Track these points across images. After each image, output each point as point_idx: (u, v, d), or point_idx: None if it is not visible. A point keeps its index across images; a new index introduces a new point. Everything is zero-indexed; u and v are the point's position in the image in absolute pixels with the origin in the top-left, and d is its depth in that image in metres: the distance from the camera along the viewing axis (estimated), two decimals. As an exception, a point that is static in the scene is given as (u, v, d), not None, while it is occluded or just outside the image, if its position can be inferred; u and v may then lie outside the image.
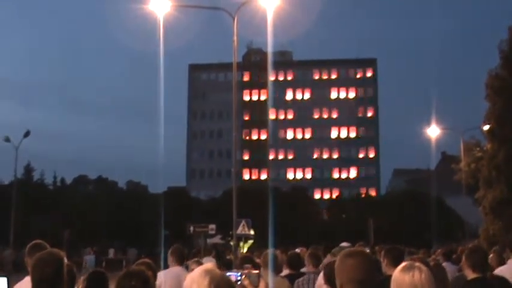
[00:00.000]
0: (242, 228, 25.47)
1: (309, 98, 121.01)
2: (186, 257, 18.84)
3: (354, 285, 3.56)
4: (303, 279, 8.60)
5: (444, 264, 11.23)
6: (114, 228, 64.60)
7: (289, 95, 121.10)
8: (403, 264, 3.84)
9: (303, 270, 9.71)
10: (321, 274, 7.73)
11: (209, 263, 3.25)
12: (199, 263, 9.64)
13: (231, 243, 31.67)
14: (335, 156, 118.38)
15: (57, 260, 4.57)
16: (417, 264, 3.80)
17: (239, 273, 4.84)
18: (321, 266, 9.85)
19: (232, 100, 28.90)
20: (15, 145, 47.59)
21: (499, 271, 6.33)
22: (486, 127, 34.35)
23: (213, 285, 2.95)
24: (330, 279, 5.69)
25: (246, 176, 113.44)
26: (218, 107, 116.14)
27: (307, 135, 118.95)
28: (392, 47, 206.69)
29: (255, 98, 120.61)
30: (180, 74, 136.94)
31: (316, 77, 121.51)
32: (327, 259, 9.86)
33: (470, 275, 6.19)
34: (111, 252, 53.48)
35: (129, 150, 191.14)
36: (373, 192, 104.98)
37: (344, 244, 10.91)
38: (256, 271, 4.89)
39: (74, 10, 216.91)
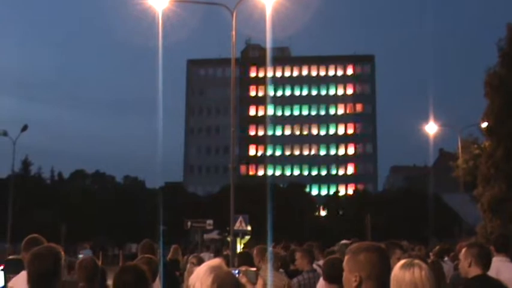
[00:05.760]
0: (239, 224, 25.50)
1: (306, 94, 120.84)
2: (183, 252, 18.91)
3: (375, 282, 3.40)
4: (304, 278, 8.41)
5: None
6: (111, 223, 64.58)
7: (287, 91, 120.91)
8: (403, 261, 3.79)
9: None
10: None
11: (216, 259, 3.11)
12: (200, 259, 9.61)
13: (228, 239, 31.67)
14: (332, 152, 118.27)
15: (54, 255, 4.52)
16: (417, 261, 3.75)
17: (237, 271, 4.82)
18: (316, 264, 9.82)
19: (230, 96, 28.92)
20: (13, 139, 47.50)
21: None
22: (484, 124, 34.27)
23: (216, 283, 2.86)
24: (329, 274, 5.64)
25: (244, 172, 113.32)
26: (216, 102, 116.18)
27: (305, 132, 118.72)
28: (390, 44, 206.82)
29: (253, 94, 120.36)
30: (179, 69, 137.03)
31: (314, 73, 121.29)
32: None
33: (473, 272, 5.87)
34: (134, 248, 53.38)
35: (127, 145, 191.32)
36: (370, 189, 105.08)
37: (345, 241, 10.90)
38: (254, 268, 4.87)
39: (73, 5, 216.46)
